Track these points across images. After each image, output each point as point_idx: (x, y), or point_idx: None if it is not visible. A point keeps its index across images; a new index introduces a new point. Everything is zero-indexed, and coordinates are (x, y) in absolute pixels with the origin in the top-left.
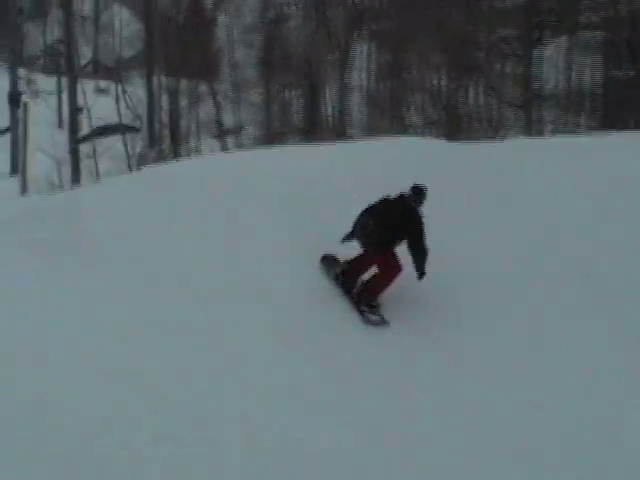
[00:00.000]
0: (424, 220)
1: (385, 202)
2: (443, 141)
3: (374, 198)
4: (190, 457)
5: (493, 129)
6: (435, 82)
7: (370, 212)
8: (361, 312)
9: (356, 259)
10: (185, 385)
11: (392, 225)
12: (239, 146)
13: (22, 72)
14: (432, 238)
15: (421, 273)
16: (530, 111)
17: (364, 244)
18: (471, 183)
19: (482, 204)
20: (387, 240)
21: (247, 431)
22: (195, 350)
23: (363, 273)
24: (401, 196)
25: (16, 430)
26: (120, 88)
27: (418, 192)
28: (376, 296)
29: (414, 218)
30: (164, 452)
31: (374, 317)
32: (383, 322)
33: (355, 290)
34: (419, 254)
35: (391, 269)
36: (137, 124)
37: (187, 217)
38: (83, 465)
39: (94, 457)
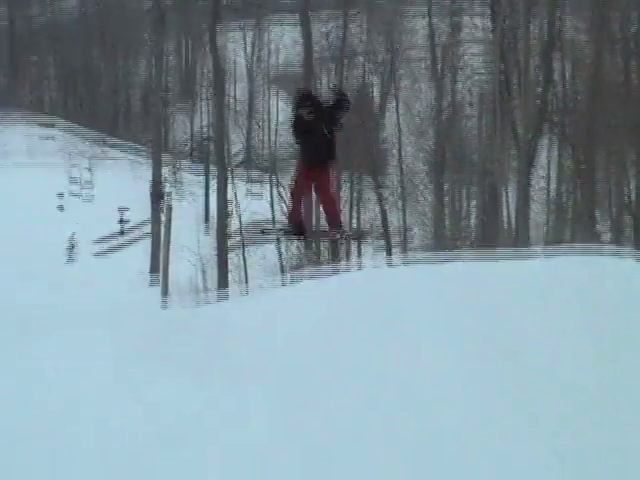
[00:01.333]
0: None
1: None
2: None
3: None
4: None
5: None
6: (628, 187)
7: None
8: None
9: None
10: None
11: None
12: (405, 251)
13: (166, 162)
14: None
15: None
16: None
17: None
18: None
19: None
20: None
21: None
22: None
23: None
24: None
25: None
26: (275, 184)
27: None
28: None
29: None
30: None
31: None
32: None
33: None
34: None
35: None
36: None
37: (347, 336)
38: None
39: None
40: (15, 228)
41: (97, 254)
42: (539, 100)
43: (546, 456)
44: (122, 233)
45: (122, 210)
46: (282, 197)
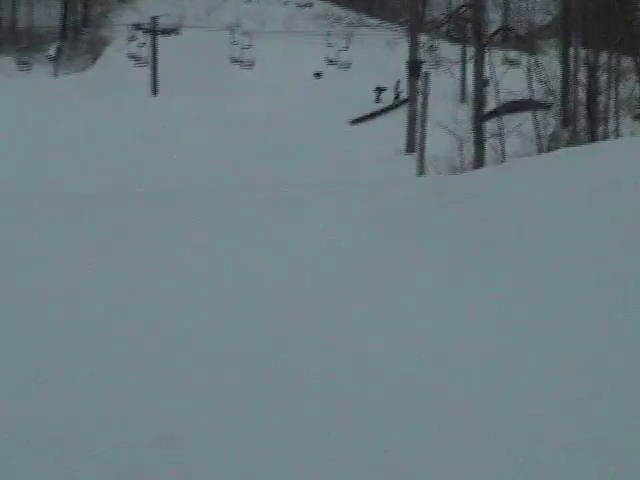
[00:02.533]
0: None
1: None
2: None
3: None
4: None
5: None
6: None
7: None
8: None
9: None
10: None
11: None
12: None
13: (423, 38)
14: None
15: None
16: None
17: None
18: None
19: None
20: None
21: None
22: None
23: None
24: None
25: None
26: (532, 60)
27: None
28: None
29: None
30: None
31: None
32: None
33: None
34: None
35: None
36: (550, 100)
37: (602, 209)
38: None
39: None
40: (273, 95)
41: (352, 123)
42: None
43: None
44: (380, 108)
45: (379, 89)
46: (537, 68)
